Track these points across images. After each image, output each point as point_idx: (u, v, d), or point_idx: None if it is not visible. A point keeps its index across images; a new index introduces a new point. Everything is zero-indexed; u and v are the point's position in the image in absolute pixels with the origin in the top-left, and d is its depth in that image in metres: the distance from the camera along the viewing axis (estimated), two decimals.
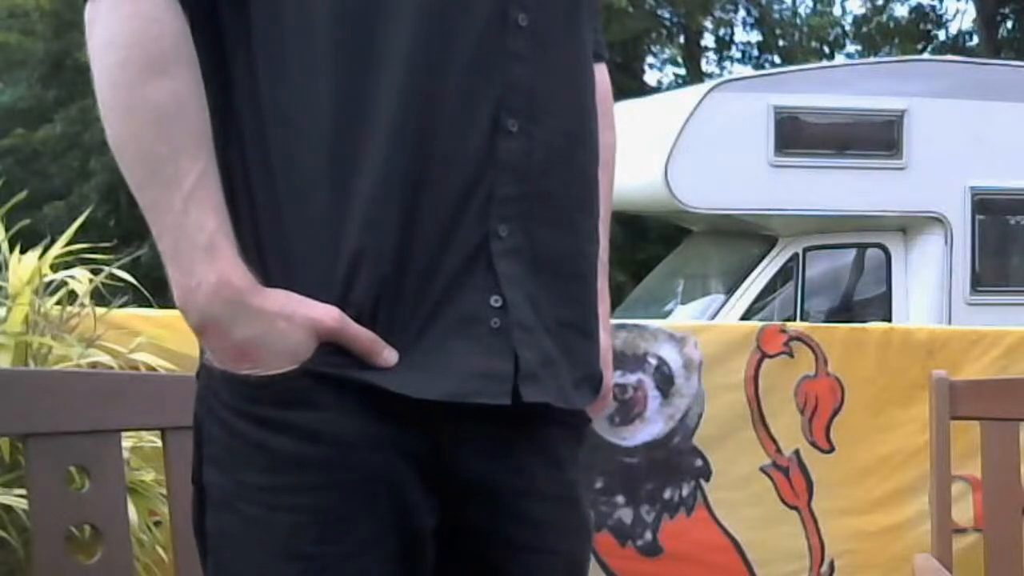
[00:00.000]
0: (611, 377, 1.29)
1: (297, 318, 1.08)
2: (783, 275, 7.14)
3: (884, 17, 19.42)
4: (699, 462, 2.79)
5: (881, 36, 19.19)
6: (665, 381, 2.76)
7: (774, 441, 2.82)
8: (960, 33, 19.26)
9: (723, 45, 19.50)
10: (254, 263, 1.10)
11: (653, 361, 2.76)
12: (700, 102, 6.68)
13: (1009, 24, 18.83)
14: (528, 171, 1.13)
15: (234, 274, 1.08)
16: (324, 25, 1.10)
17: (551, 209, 1.16)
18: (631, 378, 2.75)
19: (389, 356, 1.09)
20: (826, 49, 19.33)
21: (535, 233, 1.14)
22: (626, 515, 2.75)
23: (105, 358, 2.27)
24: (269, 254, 1.11)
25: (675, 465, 2.78)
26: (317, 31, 1.10)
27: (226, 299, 1.07)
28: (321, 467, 1.09)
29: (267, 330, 1.08)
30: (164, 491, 1.82)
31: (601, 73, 1.30)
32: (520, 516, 1.17)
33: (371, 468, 1.10)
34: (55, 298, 2.31)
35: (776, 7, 19.29)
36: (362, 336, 1.08)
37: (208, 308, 1.08)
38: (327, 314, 1.08)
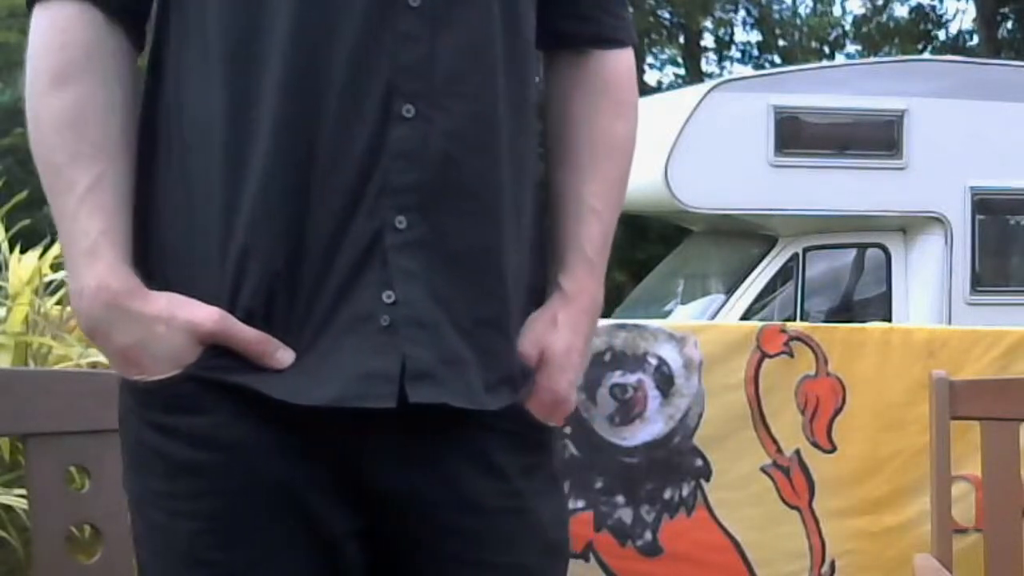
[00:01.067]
0: (566, 378, 1.17)
1: (176, 322, 1.05)
2: (783, 275, 7.14)
3: (884, 17, 19.44)
4: (699, 462, 2.78)
5: (881, 36, 19.20)
6: (665, 381, 2.76)
7: (775, 441, 2.81)
8: (960, 33, 19.28)
9: (723, 45, 19.51)
10: (158, 265, 1.10)
11: (653, 361, 2.76)
12: (700, 102, 6.68)
13: (1009, 24, 18.84)
14: (426, 158, 1.06)
15: (113, 278, 1.07)
16: (213, 19, 1.08)
17: (463, 199, 1.08)
18: (631, 378, 2.75)
19: (283, 357, 1.05)
20: (826, 49, 19.34)
21: (444, 225, 1.07)
22: (626, 515, 2.75)
23: (105, 358, 2.27)
24: (170, 256, 1.10)
25: (675, 465, 2.77)
26: (209, 28, 1.08)
27: (104, 303, 1.07)
28: (214, 473, 1.07)
29: (146, 335, 1.06)
30: None
31: (614, 59, 1.24)
32: (448, 527, 1.11)
33: (267, 474, 1.07)
34: (55, 298, 2.31)
35: (776, 7, 19.30)
36: (249, 337, 1.05)
37: (90, 312, 1.08)
38: (207, 317, 1.05)
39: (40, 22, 1.13)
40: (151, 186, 1.11)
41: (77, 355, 2.23)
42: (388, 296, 1.05)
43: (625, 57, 1.26)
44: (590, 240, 1.21)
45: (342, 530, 1.10)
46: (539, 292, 1.20)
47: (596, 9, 1.24)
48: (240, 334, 1.05)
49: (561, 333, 1.17)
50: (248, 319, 1.05)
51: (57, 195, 1.10)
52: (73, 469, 1.56)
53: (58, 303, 2.31)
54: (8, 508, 1.95)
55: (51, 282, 2.32)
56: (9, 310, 2.23)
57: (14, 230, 2.41)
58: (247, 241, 1.05)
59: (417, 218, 1.06)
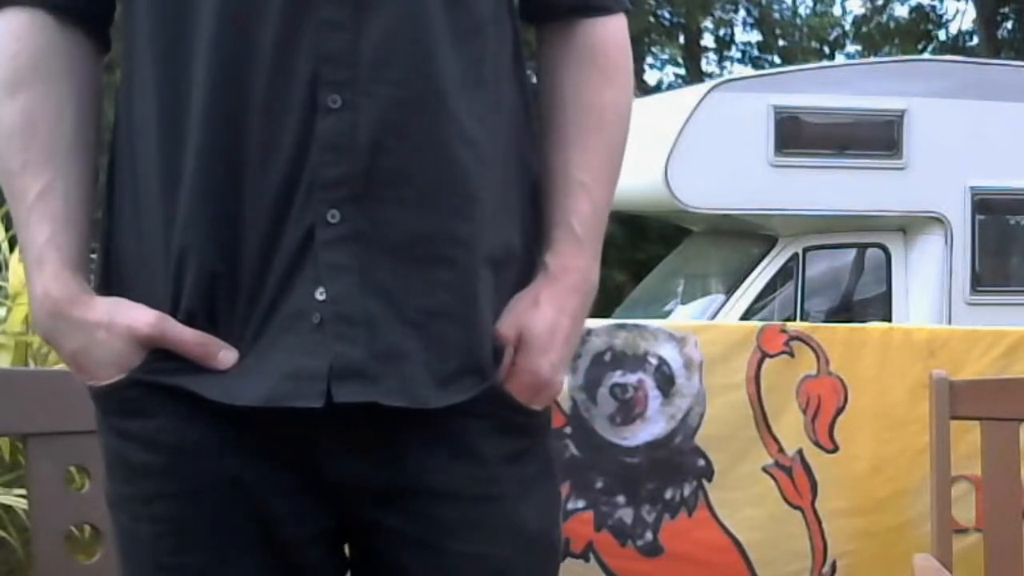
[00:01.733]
0: (547, 359, 1.12)
1: (115, 327, 1.06)
2: (783, 275, 7.14)
3: (884, 17, 19.45)
4: (701, 462, 2.78)
5: (881, 36, 19.21)
6: (666, 381, 2.76)
7: (776, 441, 2.81)
8: (960, 33, 19.28)
9: (723, 45, 19.51)
10: (116, 271, 1.10)
11: (653, 361, 2.76)
12: (700, 102, 6.68)
13: (1009, 24, 18.84)
14: (354, 149, 1.03)
15: (54, 286, 1.08)
16: (144, 19, 1.08)
17: (400, 188, 1.04)
18: (631, 378, 2.75)
19: (225, 357, 1.04)
20: (826, 49, 19.35)
21: (382, 215, 1.04)
22: (627, 515, 2.75)
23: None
24: (124, 261, 1.10)
25: (677, 465, 2.77)
26: (143, 28, 1.08)
27: (48, 312, 1.08)
28: (165, 476, 1.07)
29: (88, 341, 1.07)
30: None
31: (601, 26, 1.19)
32: (415, 516, 1.09)
33: (215, 476, 1.06)
34: None
35: (776, 7, 19.30)
36: (187, 339, 1.04)
37: (39, 320, 1.09)
38: (143, 320, 1.05)
39: None
40: (112, 193, 1.12)
41: None
42: (320, 293, 1.03)
43: (613, 23, 1.21)
44: (578, 215, 1.16)
45: (307, 532, 1.09)
46: (524, 266, 1.16)
47: None
48: (179, 336, 1.05)
49: (542, 312, 1.12)
50: (190, 320, 1.05)
51: (12, 204, 1.11)
52: (73, 469, 1.55)
53: None
54: (8, 508, 1.95)
55: None
56: (9, 310, 2.23)
57: (14, 230, 2.41)
58: (183, 242, 1.04)
59: (352, 211, 1.03)
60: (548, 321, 1.12)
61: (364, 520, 1.10)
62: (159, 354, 1.06)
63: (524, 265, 1.15)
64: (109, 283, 1.10)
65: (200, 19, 1.04)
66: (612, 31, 1.20)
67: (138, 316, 1.05)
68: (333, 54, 1.03)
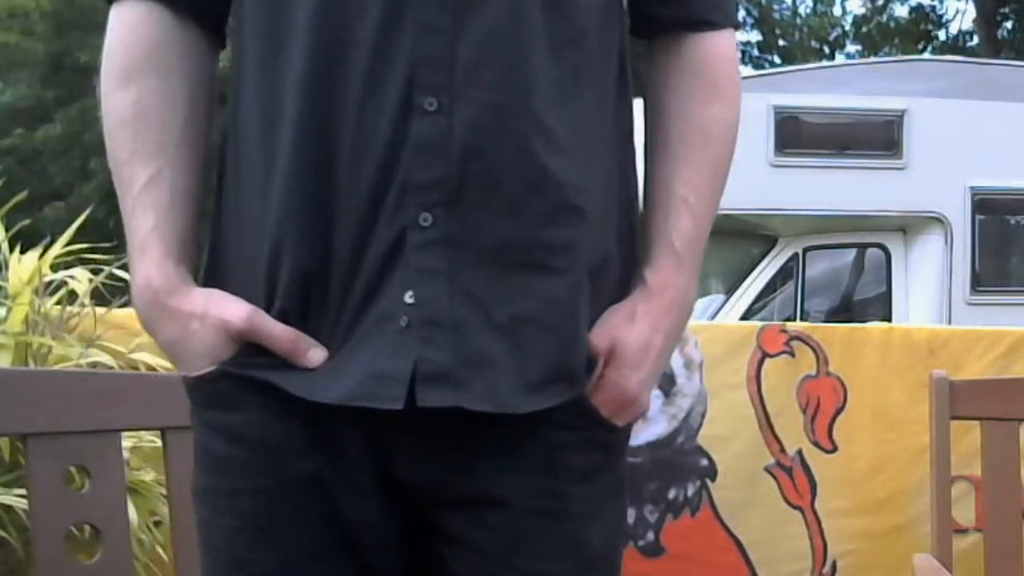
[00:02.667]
0: (637, 376, 1.11)
1: (209, 318, 1.07)
2: (783, 275, 7.14)
3: (884, 17, 19.45)
4: (704, 462, 2.78)
5: (881, 36, 19.22)
6: (666, 381, 2.76)
7: (778, 440, 2.81)
8: (960, 33, 19.29)
9: None
10: (213, 261, 1.12)
11: None
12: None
13: (1009, 24, 18.84)
14: (448, 152, 1.02)
15: (155, 275, 1.09)
16: (249, 13, 1.10)
17: (490, 193, 1.04)
18: None
19: (315, 355, 1.05)
20: (826, 49, 19.35)
21: (473, 220, 1.03)
22: (628, 515, 2.75)
23: (105, 358, 2.27)
24: (222, 251, 1.12)
25: (679, 465, 2.77)
26: (247, 20, 1.10)
27: (148, 300, 1.10)
28: (247, 471, 1.08)
29: (183, 331, 1.08)
30: (164, 491, 1.82)
31: (708, 42, 1.19)
32: (486, 525, 1.08)
33: (296, 473, 1.06)
34: (55, 298, 2.31)
35: (776, 7, 19.31)
36: (278, 334, 1.05)
37: (139, 308, 1.12)
38: (236, 314, 1.06)
39: (113, 22, 1.15)
40: (221, 185, 1.13)
41: (77, 355, 2.23)
42: (409, 296, 1.03)
43: (722, 40, 1.20)
44: (679, 232, 1.15)
45: (379, 534, 1.09)
46: (622, 278, 1.15)
47: None
48: (270, 331, 1.05)
49: (638, 328, 1.11)
50: (283, 318, 1.06)
51: (120, 191, 1.12)
52: (73, 469, 1.55)
53: (58, 303, 2.30)
54: (8, 508, 1.95)
55: (51, 282, 2.32)
56: (9, 310, 2.23)
57: (14, 230, 2.41)
58: (277, 239, 1.05)
59: (444, 214, 1.03)
60: (642, 337, 1.11)
61: (431, 525, 1.10)
62: (250, 348, 1.07)
63: (621, 277, 1.15)
64: (214, 274, 1.12)
65: (298, 20, 1.05)
66: (721, 46, 1.20)
67: (231, 309, 1.07)
68: (430, 57, 1.03)
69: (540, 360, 1.06)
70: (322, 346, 1.05)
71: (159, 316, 1.09)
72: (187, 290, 1.09)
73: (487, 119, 1.04)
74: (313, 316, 1.05)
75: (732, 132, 1.21)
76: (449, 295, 1.03)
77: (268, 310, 1.06)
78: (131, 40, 1.13)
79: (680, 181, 1.16)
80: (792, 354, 2.82)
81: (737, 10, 1.27)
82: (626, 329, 1.11)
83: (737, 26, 1.23)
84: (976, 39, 18.04)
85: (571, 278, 1.08)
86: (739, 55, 1.23)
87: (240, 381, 1.07)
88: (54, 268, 2.35)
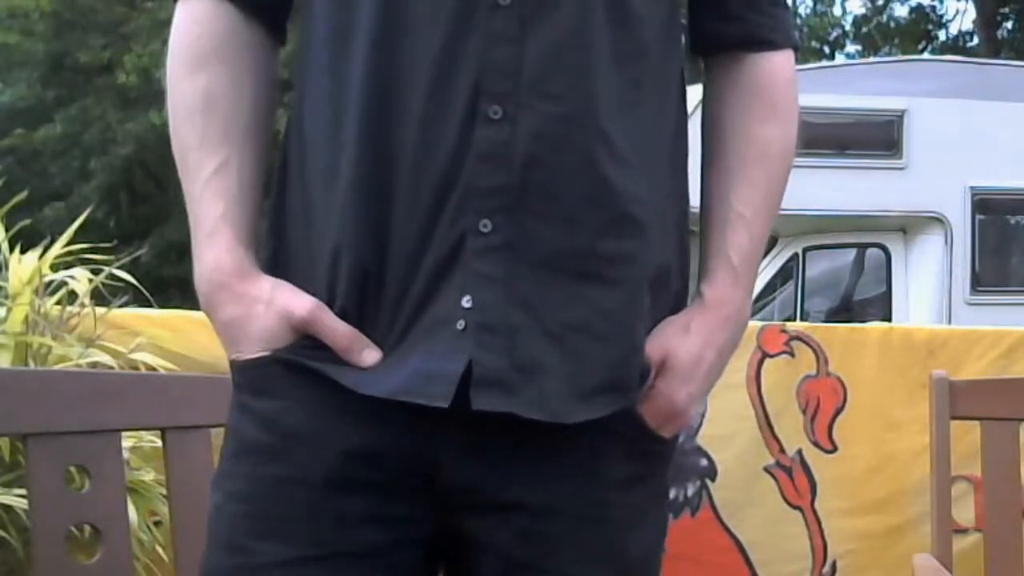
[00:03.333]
0: (686, 389, 1.12)
1: (274, 305, 1.08)
2: (783, 275, 7.14)
3: (884, 17, 19.46)
4: (704, 462, 2.78)
5: (881, 36, 19.22)
6: None
7: (778, 440, 2.81)
8: (960, 33, 19.30)
9: None
10: (275, 253, 1.13)
11: None
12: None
13: (1009, 24, 18.85)
14: (510, 161, 1.03)
15: (226, 258, 1.11)
16: (319, 23, 1.11)
17: (549, 202, 1.05)
18: None
19: (368, 356, 1.06)
20: (826, 49, 19.35)
21: (530, 228, 1.04)
22: None
23: (105, 358, 2.27)
24: (285, 245, 1.13)
25: (679, 465, 2.77)
26: (316, 17, 1.12)
27: (216, 282, 1.11)
28: (269, 456, 1.07)
29: (245, 313, 1.09)
30: (164, 491, 1.82)
31: (767, 62, 1.20)
32: (524, 531, 1.08)
33: (321, 466, 1.06)
34: (55, 298, 2.31)
35: None
36: (339, 332, 1.06)
37: (204, 289, 1.12)
38: (301, 305, 1.07)
39: (179, 16, 1.17)
40: (284, 179, 1.14)
41: (77, 355, 2.23)
42: (467, 301, 1.03)
43: (781, 60, 1.22)
44: (736, 248, 1.17)
45: (397, 537, 1.08)
46: (679, 292, 1.17)
47: (745, 8, 1.21)
48: (331, 326, 1.07)
49: (691, 341, 1.13)
50: (343, 316, 1.07)
51: (186, 178, 1.14)
52: (73, 469, 1.55)
53: (58, 303, 2.30)
54: (8, 508, 1.95)
55: (51, 282, 2.32)
56: (9, 310, 2.23)
57: (14, 230, 2.40)
58: (338, 239, 1.07)
59: (503, 221, 1.04)
60: (695, 351, 1.13)
61: (465, 531, 1.09)
62: (306, 341, 1.08)
63: (679, 290, 1.16)
64: (275, 267, 1.13)
65: (361, 23, 1.06)
66: (780, 66, 1.21)
67: (297, 300, 1.08)
68: (497, 65, 1.04)
69: (592, 369, 1.07)
70: (378, 348, 1.06)
71: (225, 298, 1.10)
72: (256, 275, 1.11)
73: (550, 128, 1.05)
74: (369, 316, 1.07)
75: (789, 151, 1.23)
76: (506, 301, 1.04)
77: (330, 302, 1.08)
78: (199, 32, 1.15)
79: (738, 198, 1.19)
80: (792, 354, 2.82)
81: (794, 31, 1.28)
82: (679, 341, 1.12)
83: (796, 47, 1.24)
84: (976, 39, 18.05)
85: (627, 289, 1.09)
86: (796, 75, 1.23)
87: (290, 369, 1.08)
88: (54, 268, 2.35)
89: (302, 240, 1.11)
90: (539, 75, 1.05)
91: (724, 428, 2.79)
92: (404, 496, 1.07)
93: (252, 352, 1.09)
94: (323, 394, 1.07)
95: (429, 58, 1.04)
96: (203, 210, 1.12)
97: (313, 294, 1.08)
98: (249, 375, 1.10)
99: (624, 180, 1.08)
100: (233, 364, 1.12)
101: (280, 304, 1.08)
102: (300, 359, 1.07)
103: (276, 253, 1.14)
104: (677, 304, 1.16)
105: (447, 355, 1.03)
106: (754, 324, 3.01)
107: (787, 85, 1.22)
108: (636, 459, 1.12)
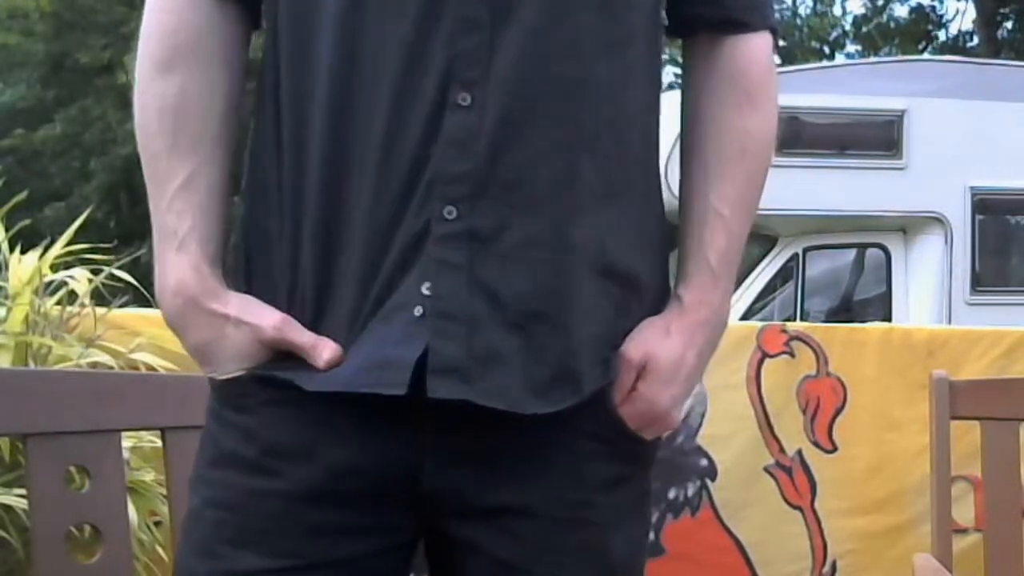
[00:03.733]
0: (668, 392, 1.11)
1: (243, 325, 1.07)
2: (783, 275, 7.14)
3: (884, 17, 19.46)
4: (704, 462, 2.78)
5: (881, 36, 19.22)
6: None
7: (777, 440, 2.81)
8: (960, 33, 19.30)
9: None
10: (239, 251, 1.12)
11: None
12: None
13: (1009, 24, 18.85)
14: (476, 147, 1.02)
15: (192, 277, 1.09)
16: (287, 2, 1.09)
17: (515, 190, 1.03)
18: None
19: (329, 355, 1.04)
20: (826, 49, 19.35)
21: (495, 216, 1.02)
22: None
23: (105, 358, 2.27)
24: (249, 242, 1.12)
25: (679, 465, 2.77)
26: (284, 11, 1.10)
27: (182, 301, 1.09)
28: (249, 469, 1.07)
29: (217, 335, 1.08)
30: (164, 491, 1.82)
31: (744, 45, 1.16)
32: (507, 533, 1.07)
33: (300, 482, 1.05)
34: (55, 298, 2.31)
35: (776, 7, 19.28)
36: (305, 342, 1.05)
37: (170, 309, 1.10)
38: (269, 322, 1.06)
39: (152, 3, 1.13)
40: (253, 174, 1.12)
41: (77, 355, 2.23)
42: (426, 288, 1.02)
43: (759, 42, 1.17)
44: (714, 248, 1.14)
45: (380, 545, 1.07)
46: (657, 294, 1.14)
47: None
48: (298, 339, 1.05)
49: (672, 343, 1.11)
50: (302, 306, 1.06)
51: (152, 182, 1.11)
52: (73, 469, 1.55)
53: (58, 303, 2.30)
54: (8, 508, 1.95)
55: (51, 282, 2.32)
56: (9, 310, 2.23)
57: (14, 230, 2.41)
58: (303, 228, 1.06)
59: (468, 209, 1.02)
60: (676, 354, 1.11)
61: (448, 534, 1.09)
62: (279, 353, 1.07)
63: (658, 290, 1.15)
64: (239, 266, 1.11)
65: (329, 3, 1.05)
66: (756, 50, 1.17)
67: (265, 317, 1.06)
68: (468, 52, 1.02)
69: (546, 360, 1.05)
70: (338, 346, 1.04)
71: (192, 319, 1.09)
72: (223, 294, 1.09)
73: (517, 116, 1.03)
74: (332, 307, 1.05)
75: (767, 144, 1.18)
76: (467, 289, 1.02)
77: (291, 299, 1.07)
78: (176, 25, 1.11)
79: (715, 195, 1.15)
80: (792, 354, 2.82)
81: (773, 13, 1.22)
82: (660, 344, 1.11)
83: (775, 29, 1.20)
84: (976, 39, 18.05)
85: (593, 278, 1.07)
86: (775, 59, 1.20)
87: (266, 384, 1.07)
88: (54, 268, 2.35)
89: (263, 230, 1.10)
90: (510, 62, 1.03)
91: (724, 428, 2.79)
92: (388, 505, 1.06)
93: (226, 372, 1.08)
94: (302, 408, 1.06)
95: (399, 44, 1.03)
96: (169, 223, 1.10)
97: (273, 286, 1.08)
98: (226, 391, 1.09)
99: (594, 169, 1.06)
100: (210, 380, 1.11)
101: (249, 323, 1.07)
102: (274, 373, 1.06)
103: (242, 245, 1.12)
104: (654, 305, 1.14)
105: (403, 341, 1.01)
106: (754, 324, 3.01)
107: (764, 72, 1.18)
108: (619, 461, 1.11)
